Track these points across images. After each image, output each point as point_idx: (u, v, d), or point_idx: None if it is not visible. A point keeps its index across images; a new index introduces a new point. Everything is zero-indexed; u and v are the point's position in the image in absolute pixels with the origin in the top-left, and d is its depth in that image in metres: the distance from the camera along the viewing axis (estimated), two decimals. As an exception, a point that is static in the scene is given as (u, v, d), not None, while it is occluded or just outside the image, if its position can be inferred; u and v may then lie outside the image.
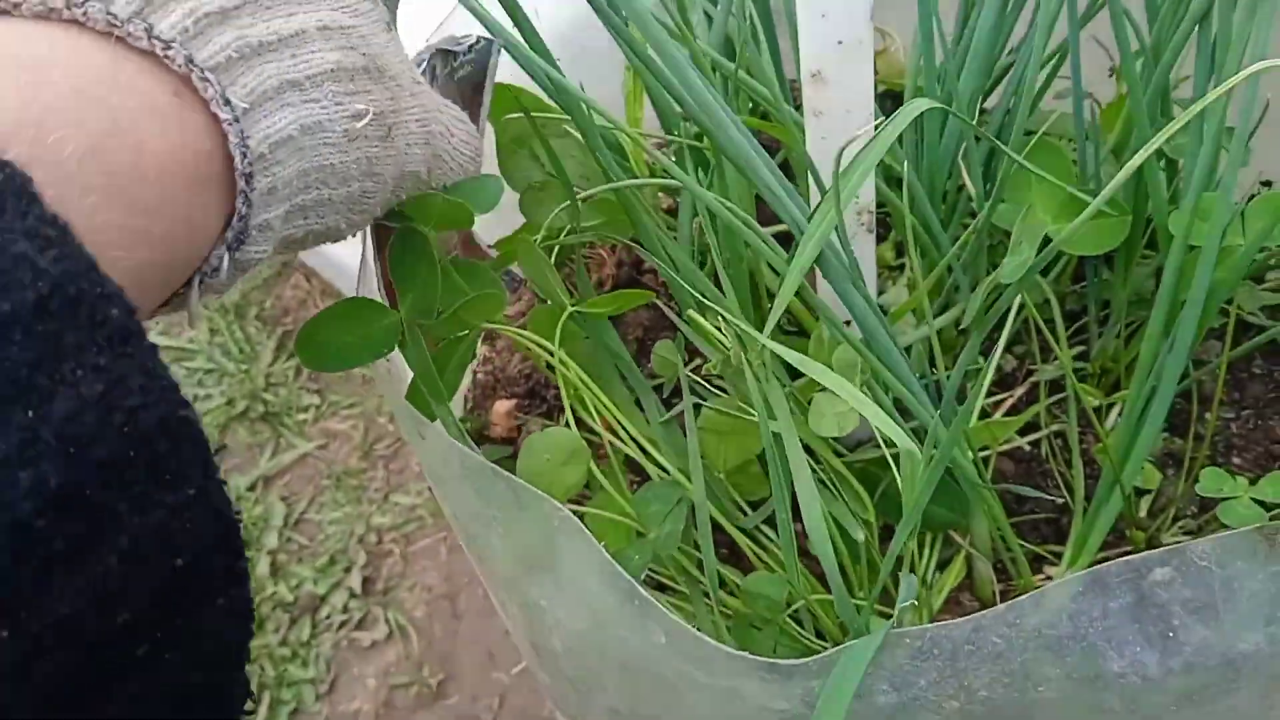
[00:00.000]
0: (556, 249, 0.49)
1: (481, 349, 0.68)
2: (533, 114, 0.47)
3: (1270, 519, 0.42)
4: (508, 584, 0.40)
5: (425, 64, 0.45)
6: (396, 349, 0.41)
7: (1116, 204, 0.48)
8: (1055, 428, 0.53)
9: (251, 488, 1.31)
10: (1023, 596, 0.30)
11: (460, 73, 0.47)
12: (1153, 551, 0.30)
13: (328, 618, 1.20)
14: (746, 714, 0.33)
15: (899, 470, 0.39)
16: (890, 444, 0.43)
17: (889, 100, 0.66)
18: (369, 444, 1.34)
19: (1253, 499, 0.43)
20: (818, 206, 0.37)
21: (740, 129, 0.40)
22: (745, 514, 0.47)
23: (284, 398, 1.40)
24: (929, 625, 0.31)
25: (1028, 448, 0.54)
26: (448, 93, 0.45)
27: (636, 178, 0.54)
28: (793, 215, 0.40)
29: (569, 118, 0.46)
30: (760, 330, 0.38)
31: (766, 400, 0.39)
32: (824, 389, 0.43)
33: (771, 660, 0.31)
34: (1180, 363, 0.44)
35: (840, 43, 0.38)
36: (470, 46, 0.46)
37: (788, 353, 0.37)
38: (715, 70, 0.50)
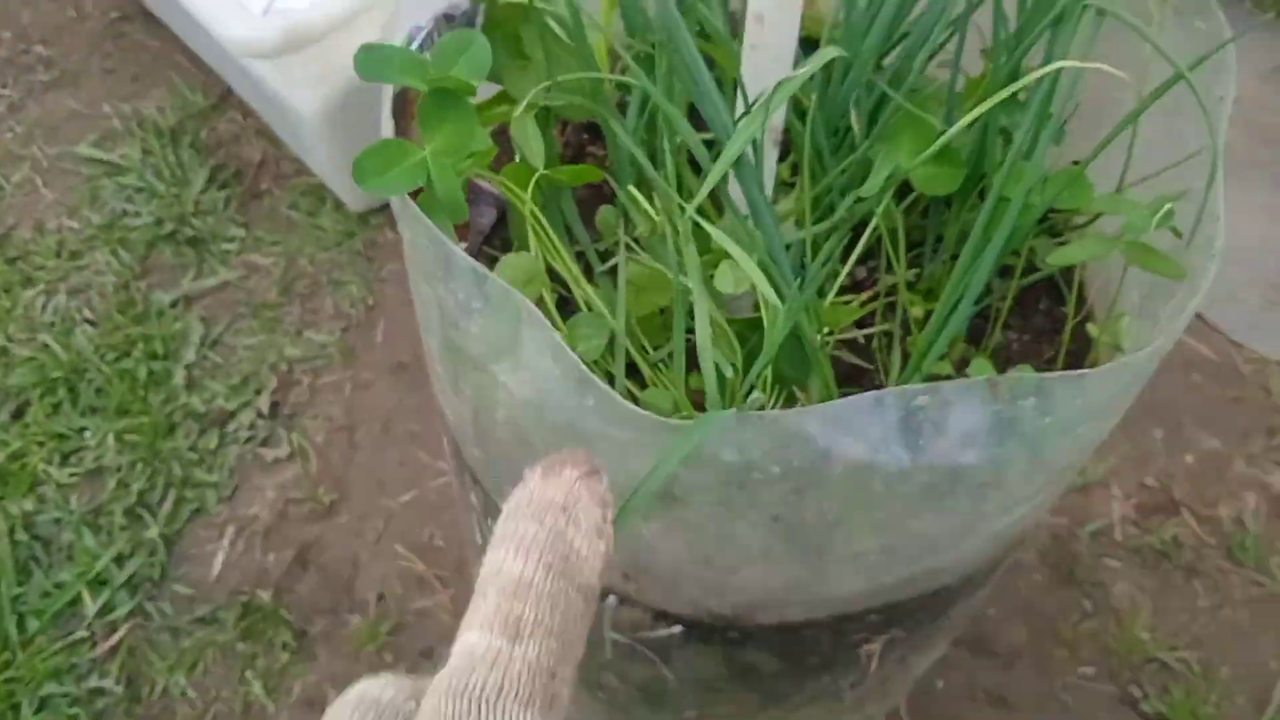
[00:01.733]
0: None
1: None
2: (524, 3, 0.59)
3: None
4: (475, 364, 0.54)
5: (425, 33, 0.56)
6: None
7: (958, 158, 0.63)
8: (885, 327, 0.69)
9: (173, 305, 1.40)
10: (832, 402, 0.46)
11: (457, 20, 0.59)
12: (917, 385, 0.46)
13: (235, 432, 1.31)
14: (643, 462, 0.48)
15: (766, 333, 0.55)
16: (759, 310, 0.59)
17: (807, 45, 0.81)
18: (288, 281, 1.44)
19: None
20: (743, 116, 0.51)
21: (692, 45, 0.53)
22: (649, 352, 0.62)
23: (210, 226, 1.48)
24: (771, 411, 0.46)
25: (862, 340, 0.70)
26: None
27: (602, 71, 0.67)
28: (723, 121, 0.54)
29: (554, 9, 0.58)
30: (683, 211, 0.52)
31: (682, 257, 0.54)
32: (726, 258, 0.58)
33: (663, 419, 0.45)
34: (979, 285, 0.60)
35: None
36: (464, 11, 0.58)
37: (705, 224, 0.52)
38: None
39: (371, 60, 0.52)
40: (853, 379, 0.68)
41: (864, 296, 0.71)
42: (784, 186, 0.72)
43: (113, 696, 1.13)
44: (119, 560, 1.21)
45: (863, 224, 0.64)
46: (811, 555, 0.54)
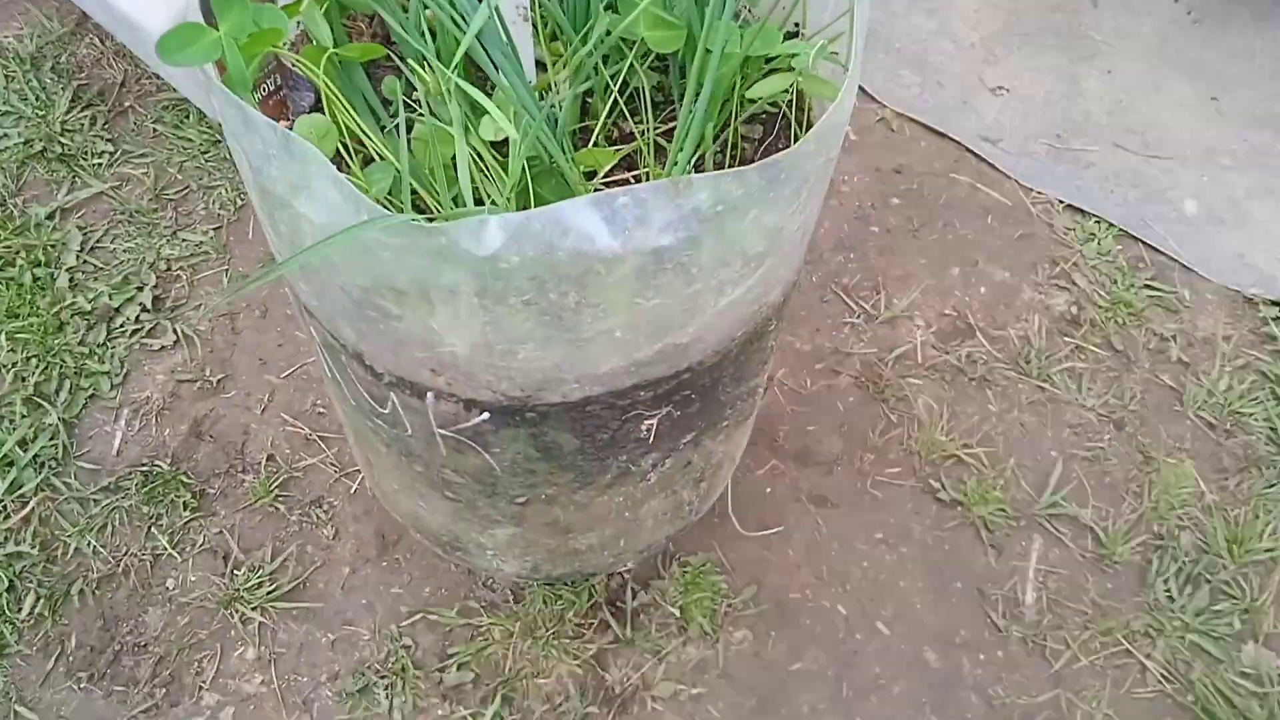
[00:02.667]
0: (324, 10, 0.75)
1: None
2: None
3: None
4: (280, 202, 0.67)
5: None
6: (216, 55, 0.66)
7: (675, 21, 0.78)
8: (648, 169, 0.84)
9: (50, 216, 1.49)
10: (553, 204, 0.60)
11: None
12: (618, 189, 0.61)
13: (121, 326, 1.42)
14: (416, 265, 0.62)
15: (535, 167, 0.69)
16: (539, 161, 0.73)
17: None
18: (160, 188, 1.54)
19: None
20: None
21: None
22: (435, 191, 0.76)
23: (79, 143, 1.56)
24: (506, 213, 0.61)
25: (632, 180, 0.85)
26: None
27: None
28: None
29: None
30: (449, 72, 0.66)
31: (451, 110, 0.68)
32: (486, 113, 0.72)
33: (414, 219, 0.60)
34: (700, 120, 0.75)
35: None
36: None
37: (462, 85, 0.66)
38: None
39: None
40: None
41: (618, 148, 0.85)
42: (555, 59, 0.86)
43: (29, 559, 1.27)
44: (22, 444, 1.33)
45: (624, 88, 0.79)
46: (569, 334, 0.70)
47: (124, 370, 1.40)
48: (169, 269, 1.47)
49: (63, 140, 1.55)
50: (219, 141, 1.58)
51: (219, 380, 1.41)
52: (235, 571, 1.29)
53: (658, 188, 0.62)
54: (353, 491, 1.35)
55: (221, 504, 1.33)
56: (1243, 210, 1.66)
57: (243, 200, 1.54)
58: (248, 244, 1.51)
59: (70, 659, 1.23)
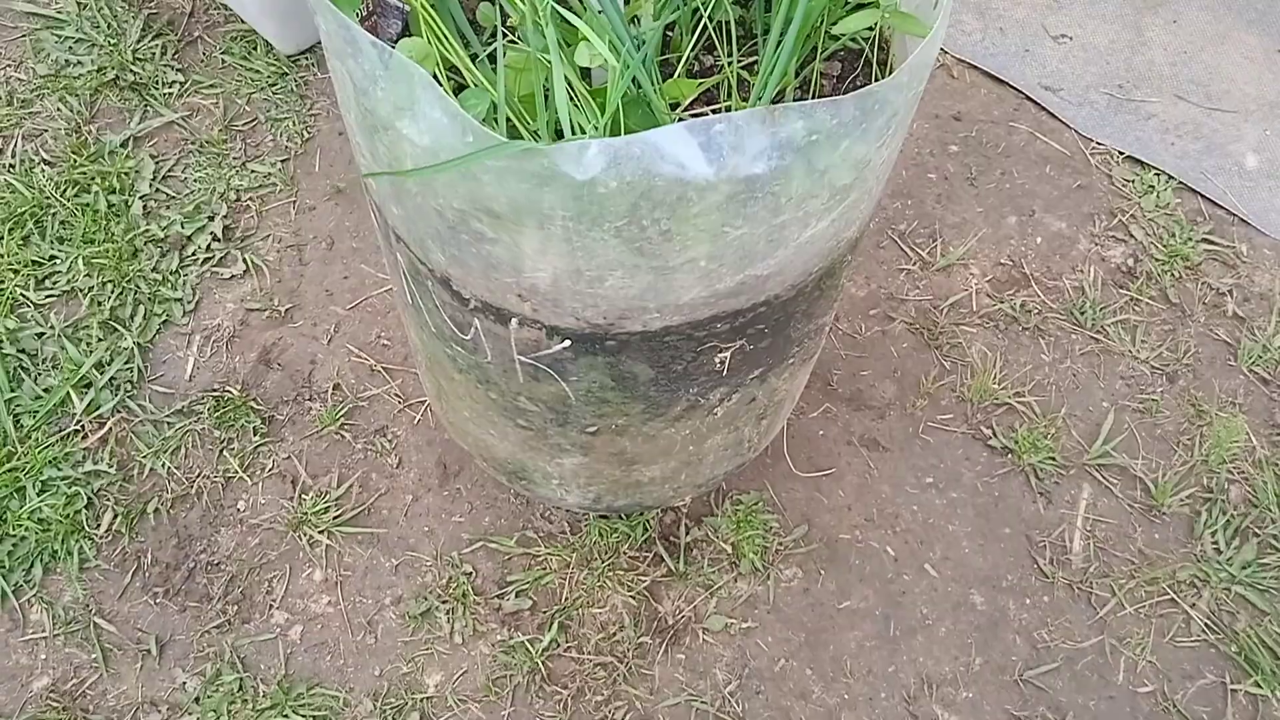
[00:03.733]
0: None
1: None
2: None
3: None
4: (383, 124, 0.69)
5: None
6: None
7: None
8: (729, 103, 0.86)
9: (124, 144, 1.53)
10: (650, 130, 0.62)
11: None
12: (714, 115, 0.63)
13: (193, 254, 1.46)
14: (519, 187, 0.64)
15: (626, 97, 0.71)
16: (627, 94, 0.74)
17: None
18: (229, 119, 1.56)
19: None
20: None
21: None
22: (530, 123, 0.78)
23: (150, 72, 1.59)
24: (603, 138, 0.62)
25: (710, 114, 0.86)
26: None
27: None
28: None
29: None
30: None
31: (545, 35, 0.69)
32: (583, 39, 0.73)
33: (522, 142, 0.62)
34: (788, 51, 0.76)
35: None
36: None
37: (561, 10, 0.67)
38: None
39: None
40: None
41: (703, 80, 0.87)
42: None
43: (107, 477, 1.32)
44: (99, 366, 1.37)
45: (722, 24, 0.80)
46: (656, 262, 0.72)
47: (196, 298, 1.43)
48: (238, 199, 1.50)
49: (134, 69, 1.57)
50: (285, 74, 1.60)
51: (287, 310, 1.44)
52: (303, 496, 1.33)
53: (752, 116, 0.63)
54: (416, 422, 1.38)
55: (289, 430, 1.37)
56: (1306, 167, 1.65)
57: (309, 134, 1.57)
58: (314, 176, 1.53)
59: (146, 574, 1.28)
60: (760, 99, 0.79)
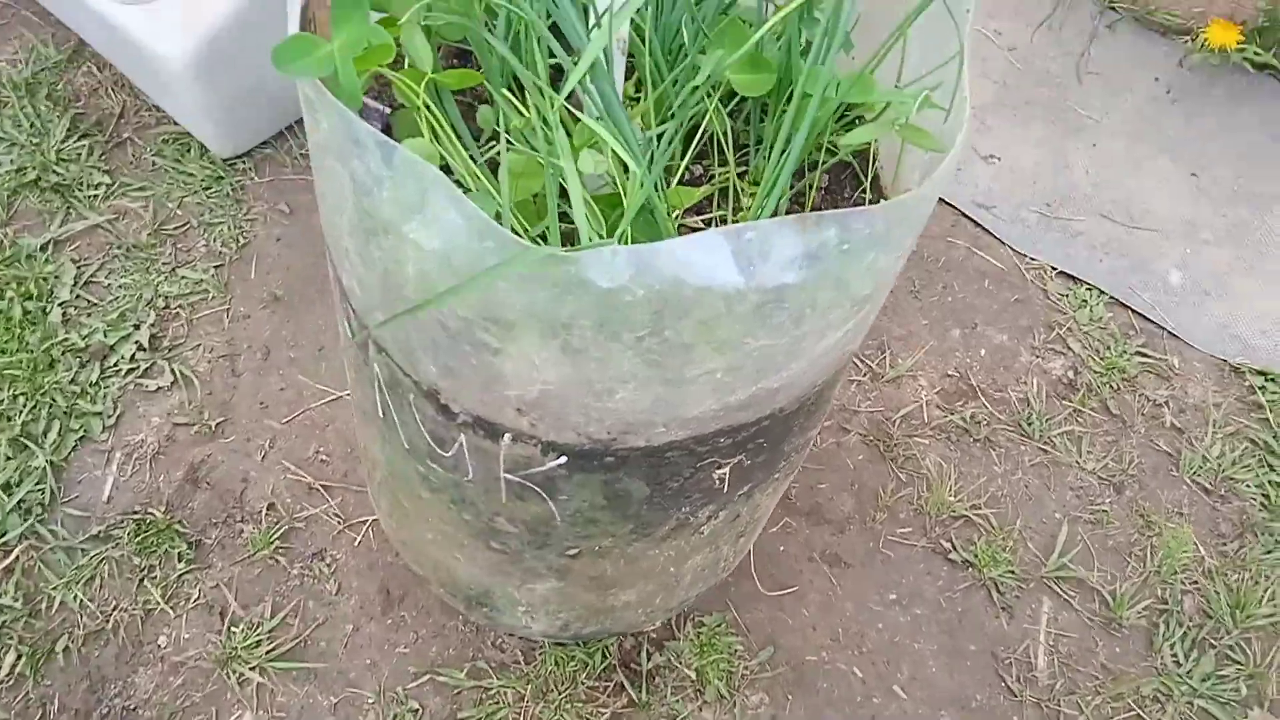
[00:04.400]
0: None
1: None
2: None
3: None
4: (386, 227, 0.65)
5: None
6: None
7: (769, 64, 0.78)
8: (720, 214, 0.84)
9: (43, 248, 1.44)
10: (681, 238, 0.59)
11: None
12: (740, 225, 0.60)
13: (116, 365, 1.36)
14: (539, 296, 0.60)
15: (624, 201, 0.68)
16: (614, 182, 0.72)
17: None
18: (159, 223, 1.49)
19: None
20: (594, 27, 0.64)
21: None
22: (526, 227, 0.74)
23: (75, 173, 1.51)
24: (634, 245, 0.59)
25: (701, 225, 0.84)
26: None
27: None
28: (579, 33, 0.67)
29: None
30: (553, 105, 0.65)
31: (553, 143, 0.66)
32: (587, 147, 0.70)
33: (551, 249, 0.58)
34: (791, 166, 0.75)
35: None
36: None
37: (575, 112, 0.64)
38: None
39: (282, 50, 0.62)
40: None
41: (703, 188, 0.85)
42: (630, 101, 0.85)
43: (11, 613, 1.19)
44: (6, 488, 1.25)
45: (697, 130, 0.78)
46: (671, 374, 0.68)
47: (117, 412, 1.34)
48: (167, 307, 1.42)
49: (58, 170, 1.49)
50: (221, 178, 1.54)
51: (218, 424, 1.35)
52: (232, 629, 1.22)
53: (784, 224, 0.61)
54: (357, 544, 1.30)
55: (218, 555, 1.26)
56: (1225, 283, 1.71)
57: (245, 239, 1.50)
58: (250, 283, 1.46)
59: None
60: (762, 210, 0.77)
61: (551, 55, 0.71)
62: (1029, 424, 1.52)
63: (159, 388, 1.36)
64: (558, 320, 0.63)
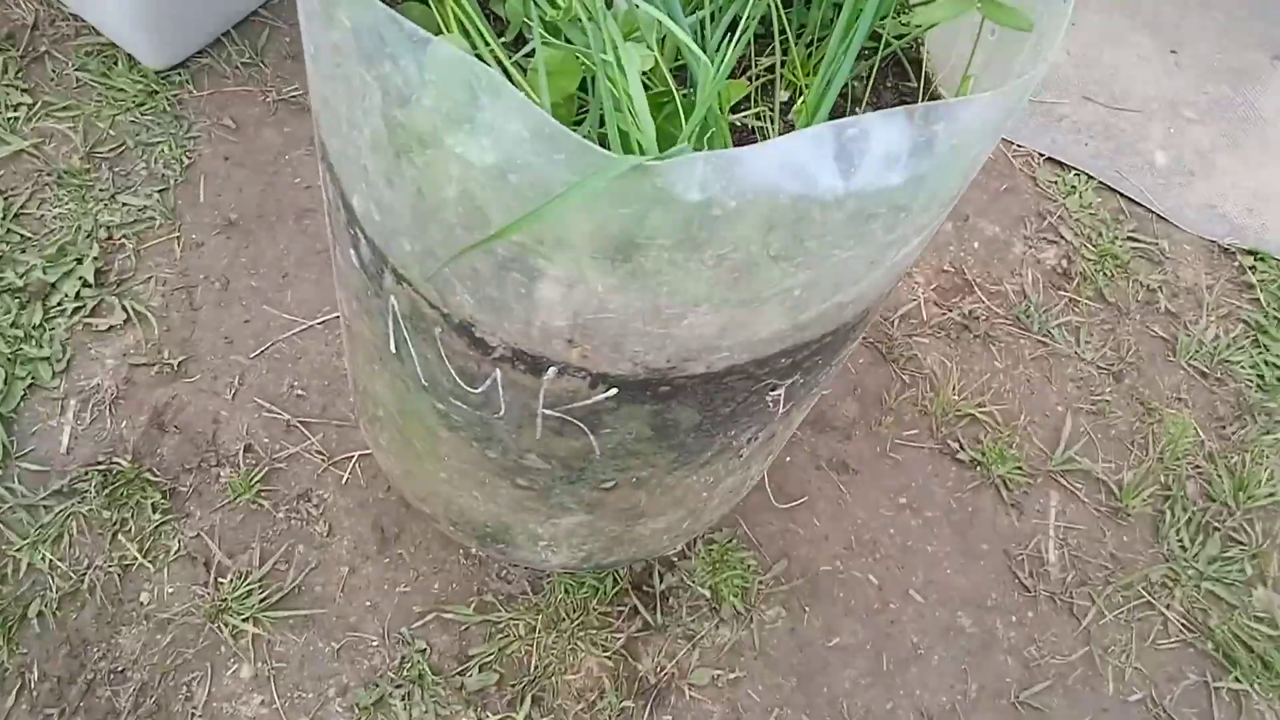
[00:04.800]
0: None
1: None
2: None
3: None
4: (424, 140, 0.55)
5: None
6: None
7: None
8: (759, 109, 0.75)
9: (-38, 178, 1.29)
10: (777, 139, 0.51)
11: None
12: (842, 121, 0.52)
13: (60, 305, 1.24)
14: (612, 211, 0.52)
15: (679, 101, 0.60)
16: (667, 85, 0.63)
17: None
18: (91, 146, 1.35)
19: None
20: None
21: None
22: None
23: (-14, 92, 1.35)
24: (727, 150, 0.51)
25: (738, 123, 0.76)
26: None
27: None
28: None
29: None
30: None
31: (605, 34, 0.57)
32: (627, 40, 0.61)
33: (639, 159, 0.50)
34: (853, 56, 0.66)
35: None
36: None
37: (646, 5, 0.55)
38: None
39: None
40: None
41: (744, 81, 0.76)
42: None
43: (-19, 580, 1.09)
44: (-43, 446, 1.14)
45: (737, 20, 0.69)
46: (748, 294, 0.61)
47: (67, 355, 1.22)
48: (110, 238, 1.29)
49: (-34, 92, 1.34)
50: (155, 92, 1.39)
51: (180, 363, 1.24)
52: (220, 579, 1.14)
53: (891, 117, 0.53)
54: (344, 482, 1.22)
55: (196, 503, 1.17)
56: (1209, 161, 1.68)
57: (189, 159, 1.37)
58: (199, 208, 1.34)
59: (34, 693, 1.06)
60: (819, 107, 0.69)
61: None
62: (1027, 316, 1.48)
63: (110, 326, 1.24)
64: (632, 240, 0.55)
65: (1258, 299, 1.55)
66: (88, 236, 1.28)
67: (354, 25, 0.54)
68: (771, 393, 0.77)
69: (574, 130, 0.66)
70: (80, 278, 1.25)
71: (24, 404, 1.19)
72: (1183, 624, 1.30)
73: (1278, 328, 1.52)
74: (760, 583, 1.24)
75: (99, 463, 1.17)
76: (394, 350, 0.79)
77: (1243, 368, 1.49)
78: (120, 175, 1.34)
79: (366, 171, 0.64)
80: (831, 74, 0.68)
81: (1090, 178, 1.63)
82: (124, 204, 1.31)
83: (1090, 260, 1.55)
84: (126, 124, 1.37)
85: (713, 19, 0.69)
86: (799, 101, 0.73)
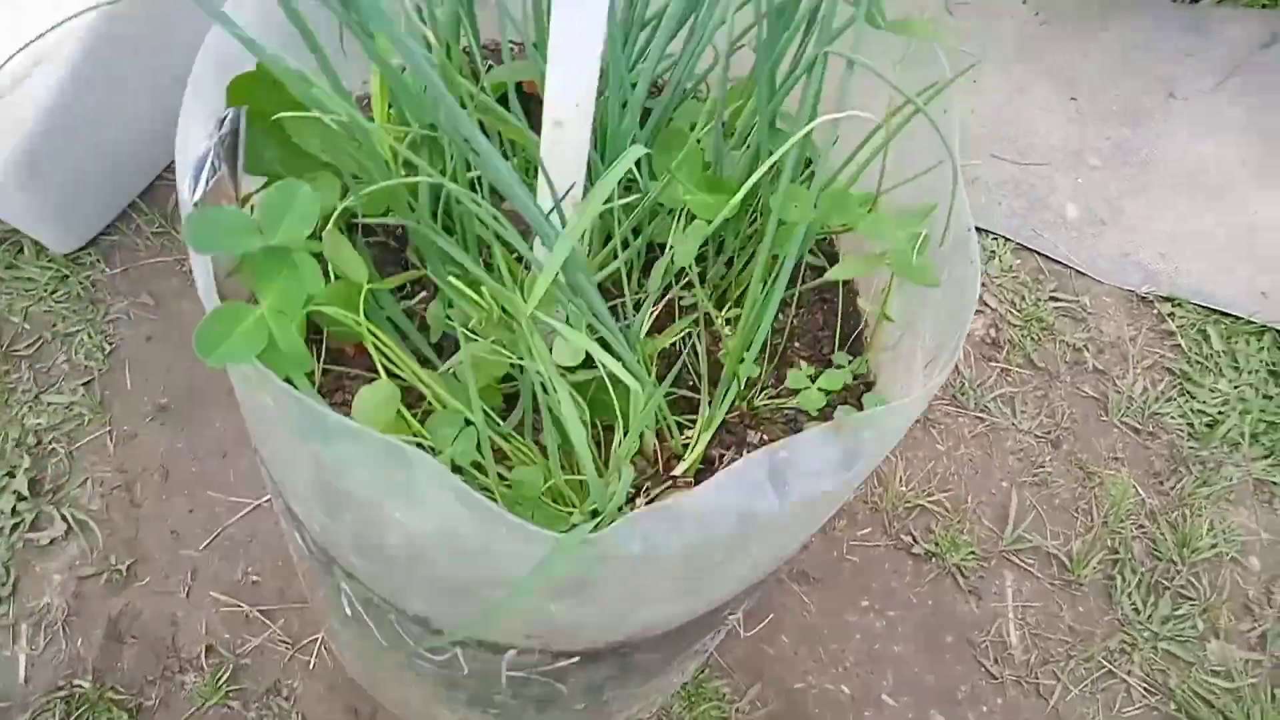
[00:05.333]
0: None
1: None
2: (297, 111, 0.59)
3: (827, 401, 0.68)
4: (358, 504, 0.55)
5: (209, 157, 0.56)
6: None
7: (730, 185, 0.70)
8: (685, 326, 0.76)
9: (-123, 402, 1.26)
10: (709, 480, 0.52)
11: (226, 141, 0.58)
12: (774, 444, 0.53)
13: (-4, 523, 1.22)
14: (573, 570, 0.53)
15: (610, 387, 0.60)
16: (595, 366, 0.64)
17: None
18: (7, 344, 1.32)
19: (818, 388, 0.69)
20: (554, 208, 0.55)
21: (491, 149, 0.55)
22: (499, 422, 0.66)
23: (-109, 302, 1.32)
24: (665, 503, 0.52)
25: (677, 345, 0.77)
26: (227, 159, 0.56)
27: (386, 165, 0.67)
28: (534, 213, 0.57)
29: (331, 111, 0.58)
30: (519, 298, 0.56)
31: (531, 351, 0.58)
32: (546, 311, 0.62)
33: (582, 536, 0.50)
34: (775, 303, 0.68)
35: (577, 105, 0.55)
36: (223, 119, 0.57)
37: (552, 323, 0.56)
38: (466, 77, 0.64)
39: (203, 229, 0.51)
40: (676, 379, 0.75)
41: (672, 329, 0.76)
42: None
43: (-49, 837, 1.07)
44: (-93, 695, 1.11)
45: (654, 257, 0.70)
46: (697, 585, 0.62)
47: (11, 577, 1.19)
48: (40, 443, 1.27)
49: None
50: (66, 277, 1.36)
51: (128, 566, 1.22)
52: (196, 789, 1.13)
53: (818, 437, 0.54)
54: (311, 666, 1.21)
55: (164, 715, 1.16)
56: (1117, 209, 1.73)
57: (110, 345, 1.34)
58: (128, 396, 1.31)
59: None
60: (747, 354, 0.70)
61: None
62: (963, 394, 1.51)
63: (52, 539, 1.22)
64: (581, 582, 0.56)
65: (1179, 345, 1.60)
66: (16, 446, 1.25)
67: (280, 408, 0.54)
68: (730, 617, 0.78)
69: (502, 421, 0.67)
70: (15, 492, 1.22)
71: (-28, 635, 1.17)
72: (1144, 688, 1.35)
73: (1200, 373, 1.57)
74: (737, 710, 1.26)
75: (59, 688, 1.15)
76: (350, 614, 0.79)
77: (1172, 418, 1.54)
78: (41, 373, 1.31)
79: (305, 498, 0.64)
80: (755, 320, 0.69)
81: (1008, 239, 1.66)
82: (49, 404, 1.29)
83: (1016, 326, 1.58)
84: (41, 314, 1.34)
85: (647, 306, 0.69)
86: (726, 341, 0.74)
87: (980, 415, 1.50)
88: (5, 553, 1.20)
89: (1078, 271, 1.66)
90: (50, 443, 1.27)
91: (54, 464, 1.26)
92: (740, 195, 0.59)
